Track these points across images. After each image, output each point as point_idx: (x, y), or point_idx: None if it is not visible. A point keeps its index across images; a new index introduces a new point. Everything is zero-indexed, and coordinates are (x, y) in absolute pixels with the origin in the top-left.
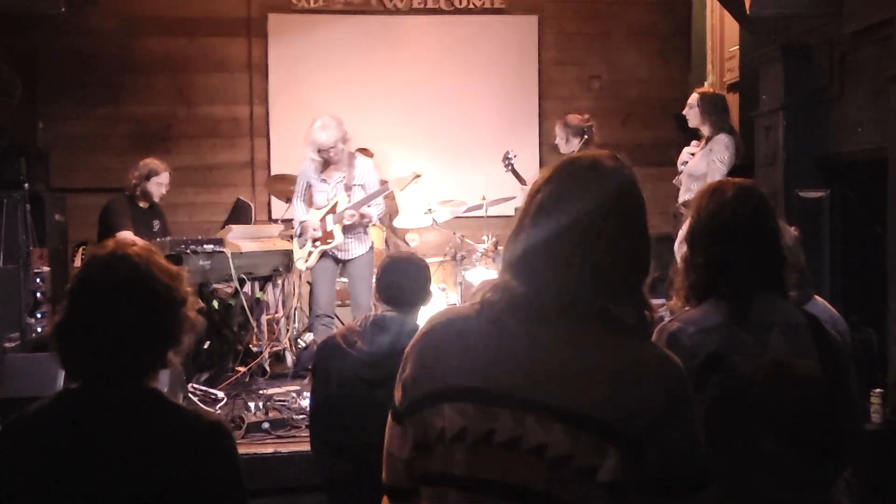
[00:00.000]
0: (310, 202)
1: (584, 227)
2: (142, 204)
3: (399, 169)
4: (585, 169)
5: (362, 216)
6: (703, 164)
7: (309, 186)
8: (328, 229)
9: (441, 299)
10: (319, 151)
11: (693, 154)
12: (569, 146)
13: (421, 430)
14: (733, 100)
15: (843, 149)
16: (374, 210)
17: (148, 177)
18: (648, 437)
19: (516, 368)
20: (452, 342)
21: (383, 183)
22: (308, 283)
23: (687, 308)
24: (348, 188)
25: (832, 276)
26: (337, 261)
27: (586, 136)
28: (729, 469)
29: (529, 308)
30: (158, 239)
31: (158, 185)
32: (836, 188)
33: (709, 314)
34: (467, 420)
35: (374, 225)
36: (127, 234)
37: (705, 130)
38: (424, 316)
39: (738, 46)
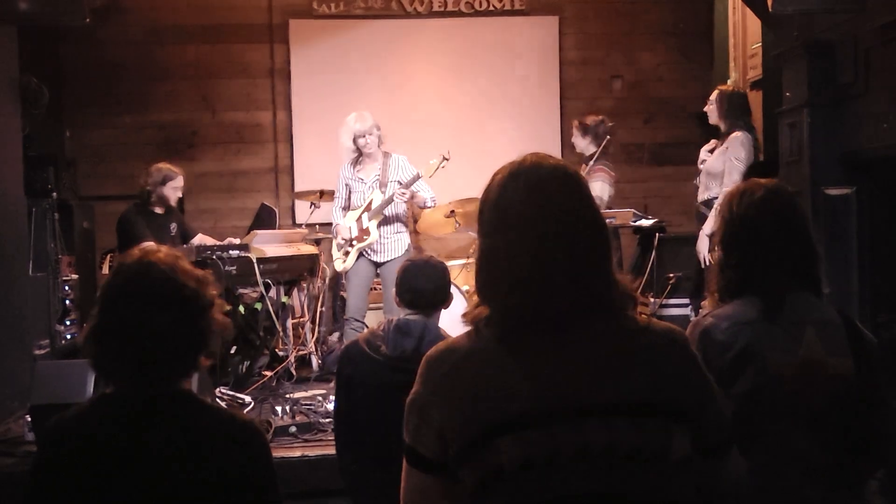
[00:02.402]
0: (349, 205)
1: (560, 227)
2: (157, 210)
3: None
4: (535, 172)
5: (413, 196)
6: (719, 162)
7: (348, 188)
8: (364, 227)
9: (466, 302)
10: (356, 139)
11: (711, 152)
12: (584, 144)
13: (479, 472)
14: (756, 97)
15: (870, 145)
16: (426, 193)
17: (163, 182)
18: (700, 405)
19: (560, 379)
20: (483, 375)
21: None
22: (330, 287)
23: (721, 306)
24: (383, 185)
25: (860, 274)
26: (373, 264)
27: (600, 135)
28: (760, 465)
29: (539, 318)
30: (185, 245)
31: (174, 190)
32: (862, 185)
33: (742, 310)
34: (531, 447)
35: (428, 207)
36: (150, 245)
37: (723, 127)
38: (446, 319)
39: (760, 44)
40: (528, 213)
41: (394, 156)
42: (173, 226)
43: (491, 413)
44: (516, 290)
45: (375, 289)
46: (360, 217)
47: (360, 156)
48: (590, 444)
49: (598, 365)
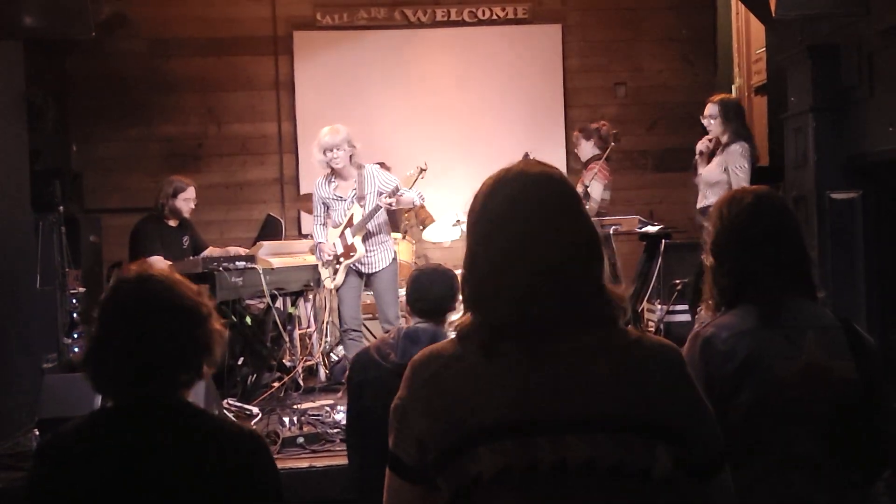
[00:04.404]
0: (327, 223)
1: (547, 234)
2: (171, 222)
3: (419, 178)
4: (520, 180)
5: (398, 201)
6: (718, 172)
7: (326, 207)
8: (349, 243)
9: None
10: (325, 152)
11: (710, 153)
12: (588, 148)
13: (455, 481)
14: (761, 102)
15: (875, 149)
16: (411, 194)
17: (175, 194)
18: (688, 423)
19: (542, 391)
20: (463, 383)
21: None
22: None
23: (718, 315)
24: (361, 199)
25: (867, 277)
26: (360, 275)
27: (604, 136)
28: (766, 472)
29: (524, 328)
30: (191, 257)
31: (186, 201)
32: (868, 189)
33: (741, 319)
34: (508, 457)
35: (418, 205)
36: (157, 260)
37: (725, 138)
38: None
39: (764, 48)
40: (511, 222)
41: (367, 167)
42: (185, 238)
43: (470, 421)
44: (499, 299)
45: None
46: (342, 233)
47: (332, 172)
48: (569, 457)
49: (582, 378)
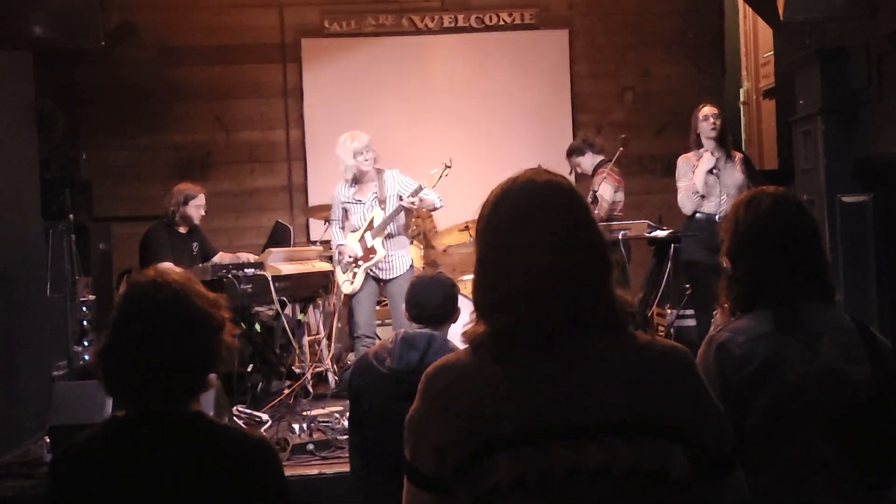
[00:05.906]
0: (345, 226)
1: (553, 242)
2: (181, 229)
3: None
4: (527, 188)
5: (421, 201)
6: (740, 175)
7: (345, 210)
8: (368, 245)
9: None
10: (355, 156)
11: (714, 169)
12: (589, 161)
13: (474, 490)
14: (770, 106)
15: (885, 151)
16: (432, 195)
17: (186, 201)
18: (700, 424)
19: (555, 397)
20: (477, 392)
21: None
22: (345, 304)
23: (733, 319)
24: (382, 202)
25: (878, 280)
26: (378, 280)
27: (596, 145)
28: (784, 476)
29: (532, 335)
30: (200, 265)
31: (197, 208)
32: (878, 192)
33: (757, 323)
34: (525, 463)
35: (438, 209)
36: (167, 265)
37: (723, 143)
38: (454, 333)
39: (772, 52)
40: (518, 230)
41: (387, 171)
42: (195, 245)
43: (486, 430)
44: (507, 307)
45: (384, 304)
46: (362, 237)
47: (355, 176)
48: (585, 462)
49: (594, 382)
